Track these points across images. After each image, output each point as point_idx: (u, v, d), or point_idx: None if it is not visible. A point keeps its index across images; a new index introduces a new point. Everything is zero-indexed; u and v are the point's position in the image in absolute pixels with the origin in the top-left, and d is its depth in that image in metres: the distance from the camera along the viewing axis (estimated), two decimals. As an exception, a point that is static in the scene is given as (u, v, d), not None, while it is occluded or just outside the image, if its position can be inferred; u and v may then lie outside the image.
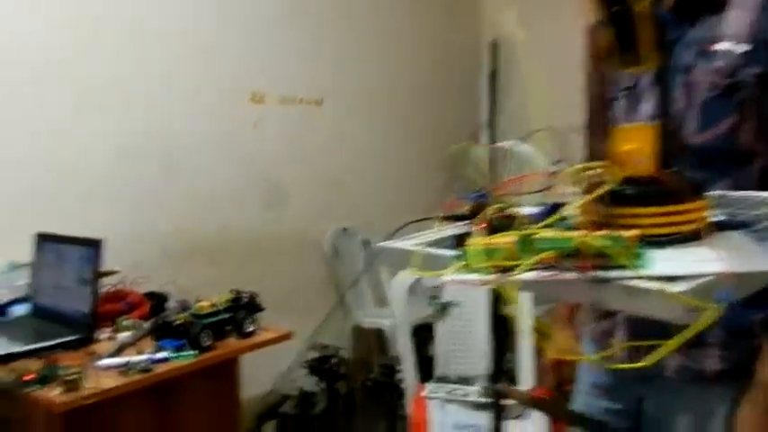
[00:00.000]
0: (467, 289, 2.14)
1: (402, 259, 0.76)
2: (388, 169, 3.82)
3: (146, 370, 1.37)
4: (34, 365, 1.37)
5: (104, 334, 1.65)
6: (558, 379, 1.17)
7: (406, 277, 2.15)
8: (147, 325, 1.69)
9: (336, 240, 3.45)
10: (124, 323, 1.70)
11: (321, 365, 2.63)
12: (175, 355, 1.46)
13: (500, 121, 3.77)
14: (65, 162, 2.46)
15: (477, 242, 0.62)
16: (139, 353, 1.48)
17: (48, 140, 2.41)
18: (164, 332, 1.55)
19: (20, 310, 1.81)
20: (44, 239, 1.79)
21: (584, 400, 1.10)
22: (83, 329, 1.57)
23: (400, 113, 3.87)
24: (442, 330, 2.15)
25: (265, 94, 3.08)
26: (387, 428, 2.68)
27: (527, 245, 0.58)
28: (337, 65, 3.44)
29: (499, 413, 1.40)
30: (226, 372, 1.59)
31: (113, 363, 1.39)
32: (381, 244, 0.83)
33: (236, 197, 3.02)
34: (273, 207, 3.18)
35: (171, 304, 1.95)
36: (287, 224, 3.24)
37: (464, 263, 0.62)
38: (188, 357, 1.46)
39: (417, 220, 0.93)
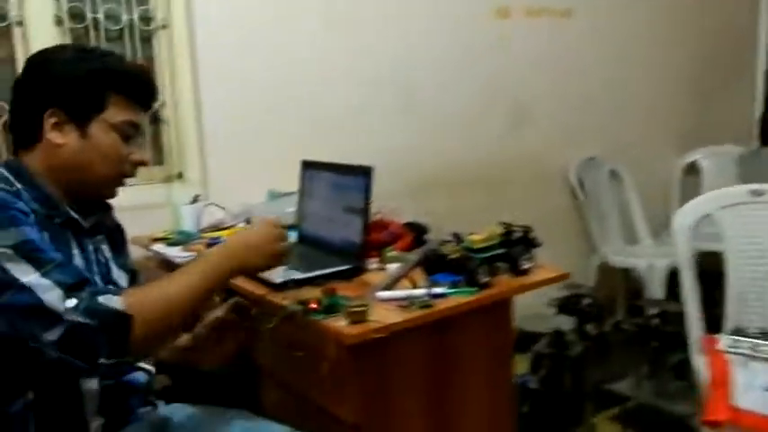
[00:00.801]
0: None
1: None
2: (640, 93, 3.38)
3: (426, 305, 1.28)
4: (311, 293, 1.35)
5: (372, 264, 1.61)
6: None
7: (694, 209, 1.84)
8: (413, 257, 1.62)
9: (582, 170, 3.16)
10: (390, 254, 1.64)
11: (573, 305, 2.43)
12: (453, 290, 1.36)
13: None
14: (314, 93, 2.49)
15: None
16: (414, 286, 1.40)
17: (293, 68, 2.45)
18: (435, 266, 1.46)
19: (290, 236, 1.85)
20: (310, 167, 1.78)
21: None
22: (353, 259, 1.53)
23: (659, 34, 3.37)
24: (734, 274, 1.82)
25: (510, 6, 2.83)
26: (654, 379, 2.42)
27: None
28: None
29: None
30: (501, 309, 1.46)
31: (393, 296, 1.33)
32: None
33: (476, 122, 2.86)
34: (516, 131, 2.98)
35: (430, 236, 1.88)
36: (529, 151, 3.02)
37: None
38: (466, 294, 1.35)
39: None
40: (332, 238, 1.64)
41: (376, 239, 1.68)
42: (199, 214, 2.06)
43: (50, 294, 0.92)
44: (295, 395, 1.46)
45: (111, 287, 1.07)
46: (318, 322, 1.25)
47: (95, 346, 0.92)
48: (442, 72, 2.74)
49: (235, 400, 1.44)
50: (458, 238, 1.48)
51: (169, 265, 1.78)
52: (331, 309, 1.26)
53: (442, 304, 1.31)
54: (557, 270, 1.53)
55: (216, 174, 2.35)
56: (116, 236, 1.28)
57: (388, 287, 1.38)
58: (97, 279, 1.15)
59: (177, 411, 1.26)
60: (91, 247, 1.17)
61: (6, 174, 1.08)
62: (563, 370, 2.18)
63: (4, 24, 2.05)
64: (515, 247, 1.48)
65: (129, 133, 1.14)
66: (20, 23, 2.07)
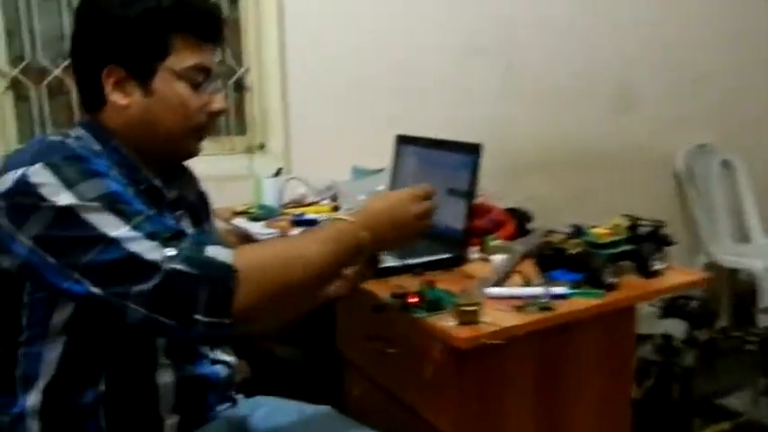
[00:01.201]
0: None
1: None
2: (759, 74, 3.04)
3: (545, 308, 1.10)
4: (409, 283, 1.19)
5: (474, 254, 1.43)
6: None
7: None
8: (519, 247, 1.44)
9: (690, 159, 2.87)
10: (493, 243, 1.46)
11: (681, 308, 2.19)
12: (575, 291, 1.17)
13: None
14: (405, 61, 2.32)
15: None
16: (526, 283, 1.22)
17: (384, 34, 2.29)
18: (550, 261, 1.27)
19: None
20: (406, 142, 1.61)
21: None
22: (456, 247, 1.36)
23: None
24: None
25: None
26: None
27: None
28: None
29: None
30: (625, 315, 1.26)
31: (506, 293, 1.15)
32: None
33: (578, 101, 2.62)
34: (621, 114, 2.72)
35: (534, 225, 1.68)
36: (634, 135, 2.75)
37: None
38: (591, 296, 1.16)
39: None
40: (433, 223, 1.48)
41: (477, 226, 1.50)
42: (281, 188, 1.93)
43: (145, 245, 0.81)
44: (384, 393, 1.32)
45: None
46: (421, 320, 1.09)
47: (193, 298, 0.79)
48: (546, 41, 2.51)
49: (318, 393, 1.32)
50: (578, 230, 1.28)
51: (251, 241, 1.66)
52: (435, 305, 1.09)
53: (563, 307, 1.13)
54: (692, 273, 1.32)
55: (299, 146, 2.23)
56: (200, 208, 1.16)
57: (499, 282, 1.21)
58: None
59: (258, 407, 1.14)
60: (173, 221, 1.05)
61: (85, 133, 0.98)
62: (671, 379, 1.96)
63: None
64: (644, 244, 1.28)
65: (198, 79, 0.99)
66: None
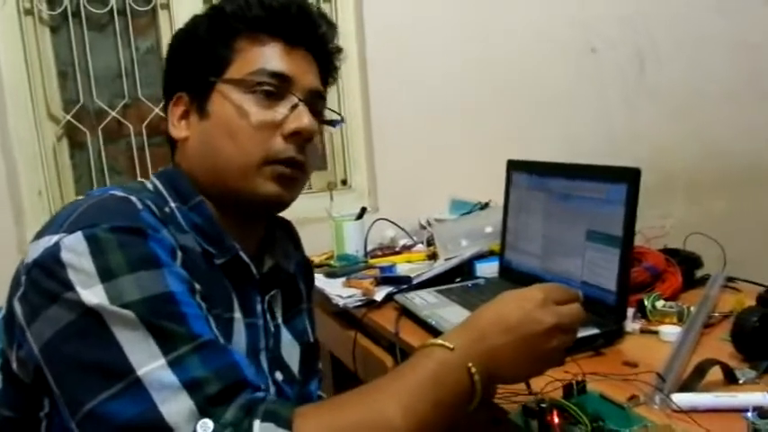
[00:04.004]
0: None
1: None
2: None
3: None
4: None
5: (632, 323, 1.01)
6: None
7: None
8: (695, 312, 1.00)
9: None
10: (659, 305, 1.04)
11: None
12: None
13: None
14: (499, 68, 1.94)
15: None
16: (726, 377, 0.78)
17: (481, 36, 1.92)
18: (757, 337, 0.83)
19: (487, 267, 1.31)
20: (521, 169, 1.22)
21: None
22: (608, 318, 0.95)
23: None
24: None
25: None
26: None
27: None
28: None
29: None
30: None
31: (708, 405, 0.73)
32: None
33: (728, 98, 2.11)
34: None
35: (709, 272, 1.23)
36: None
37: None
38: None
39: None
40: (563, 278, 1.07)
41: (631, 279, 1.08)
42: (365, 232, 1.59)
43: (177, 403, 0.55)
44: None
45: (278, 401, 0.62)
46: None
47: None
48: (685, 33, 2.04)
49: None
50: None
51: (333, 310, 1.30)
52: None
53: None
54: None
55: (386, 181, 1.89)
56: (295, 285, 0.87)
57: (689, 384, 0.78)
58: (263, 362, 0.76)
59: None
60: (259, 308, 0.77)
61: (161, 185, 0.73)
62: None
63: (148, 8, 1.73)
64: None
65: (268, 87, 0.73)
66: (165, 6, 1.74)
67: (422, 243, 1.63)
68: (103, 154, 1.74)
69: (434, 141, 1.88)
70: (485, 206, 1.53)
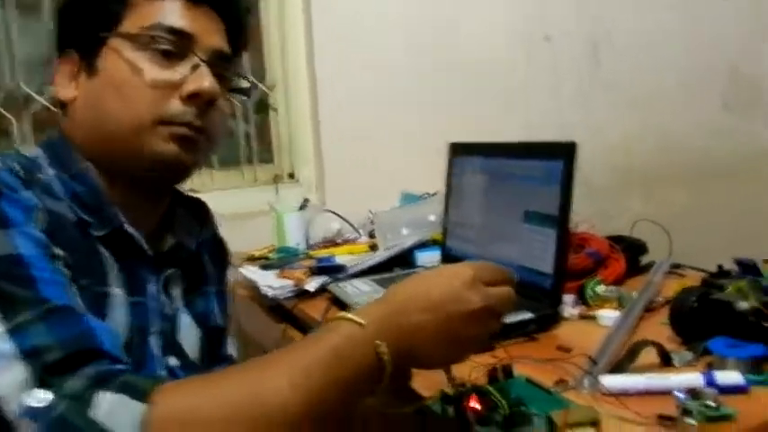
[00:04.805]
0: None
1: None
2: None
3: (717, 416, 0.61)
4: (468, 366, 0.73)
5: (569, 308, 0.96)
6: None
7: None
8: (638, 297, 0.96)
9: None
10: (597, 289, 0.99)
11: None
12: (760, 378, 0.68)
13: None
14: (455, 56, 1.89)
15: None
16: (662, 360, 0.74)
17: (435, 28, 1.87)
18: (697, 321, 0.79)
19: (427, 257, 1.25)
20: (463, 152, 1.17)
21: None
22: (543, 302, 0.90)
23: None
24: None
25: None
26: None
27: None
28: None
29: None
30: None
31: (634, 387, 0.67)
32: None
33: (681, 94, 2.10)
34: (735, 109, 2.18)
35: (656, 259, 1.19)
36: (750, 137, 2.20)
37: None
38: (791, 389, 0.67)
39: None
40: (500, 262, 1.01)
41: (572, 265, 1.03)
42: (308, 224, 1.52)
43: (8, 375, 0.50)
44: None
45: (143, 374, 0.57)
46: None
47: None
48: (641, 24, 2.02)
49: None
50: (745, 266, 0.79)
51: (261, 300, 1.24)
52: (514, 422, 0.62)
53: (745, 409, 0.63)
54: None
55: (334, 174, 1.82)
56: (199, 265, 0.80)
57: (623, 364, 0.73)
58: (153, 346, 0.68)
59: None
60: (153, 288, 0.70)
61: (43, 153, 0.68)
62: None
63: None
64: None
65: (165, 46, 0.67)
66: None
67: (365, 237, 1.56)
68: (32, 141, 1.65)
69: (385, 133, 1.82)
70: (432, 196, 1.48)
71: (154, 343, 0.68)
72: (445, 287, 0.59)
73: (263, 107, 1.86)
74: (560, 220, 0.88)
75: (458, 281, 0.59)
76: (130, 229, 0.67)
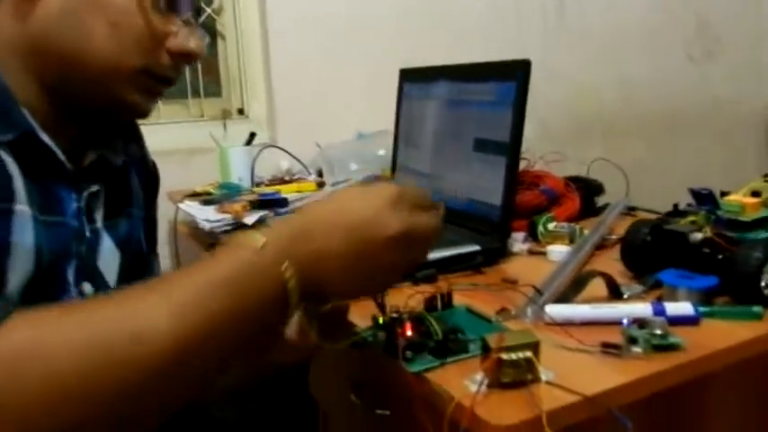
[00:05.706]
0: None
1: None
2: None
3: (665, 345, 0.57)
4: (410, 295, 0.68)
5: (519, 243, 0.92)
6: None
7: None
8: (591, 234, 0.92)
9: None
10: (549, 226, 0.94)
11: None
12: (710, 309, 0.65)
13: None
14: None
15: None
16: (611, 293, 0.70)
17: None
18: (648, 254, 0.75)
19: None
20: (413, 78, 1.10)
21: None
22: (491, 235, 0.85)
23: None
24: None
25: None
26: None
27: None
28: None
29: None
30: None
31: (583, 316, 0.63)
32: None
33: (647, 44, 2.06)
34: (699, 62, 2.15)
35: (606, 199, 1.16)
36: (715, 87, 2.18)
37: None
38: (743, 317, 0.64)
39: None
40: (451, 196, 0.96)
41: (524, 202, 0.99)
42: (254, 160, 1.44)
43: None
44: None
45: None
46: (418, 377, 0.57)
47: None
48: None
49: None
50: (701, 196, 0.75)
51: (200, 237, 1.17)
52: (447, 346, 0.57)
53: (694, 340, 0.60)
54: None
55: (286, 111, 1.73)
56: (126, 184, 0.71)
57: (567, 295, 0.69)
58: (69, 270, 0.60)
59: None
60: (73, 207, 0.61)
61: None
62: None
63: None
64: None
65: None
66: None
67: (313, 175, 1.49)
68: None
69: (340, 70, 1.73)
70: (384, 132, 1.41)
71: (70, 267, 0.61)
72: (362, 209, 0.53)
73: (210, 34, 1.75)
74: (511, 148, 0.82)
75: (377, 202, 0.53)
76: (44, 137, 0.58)
